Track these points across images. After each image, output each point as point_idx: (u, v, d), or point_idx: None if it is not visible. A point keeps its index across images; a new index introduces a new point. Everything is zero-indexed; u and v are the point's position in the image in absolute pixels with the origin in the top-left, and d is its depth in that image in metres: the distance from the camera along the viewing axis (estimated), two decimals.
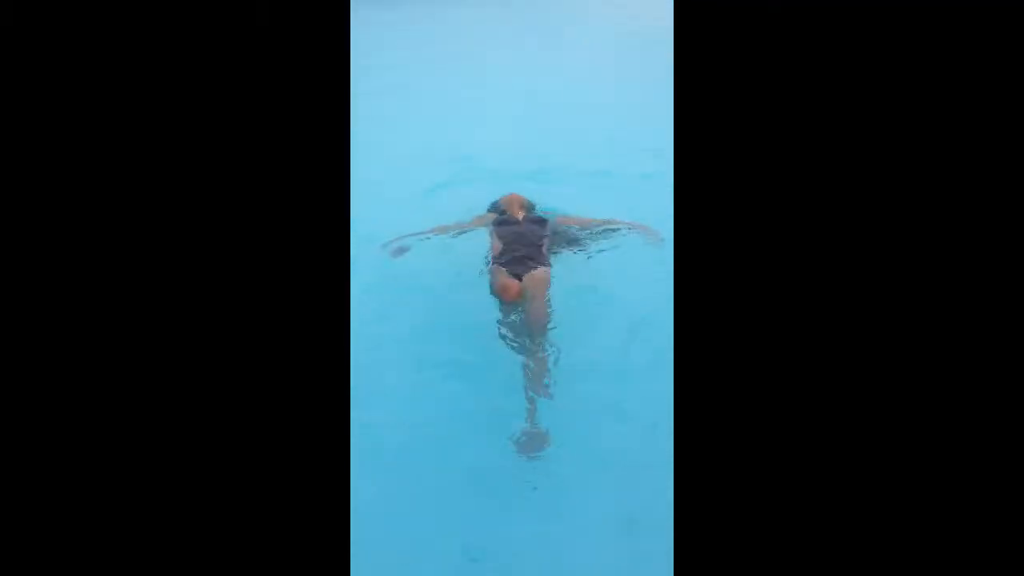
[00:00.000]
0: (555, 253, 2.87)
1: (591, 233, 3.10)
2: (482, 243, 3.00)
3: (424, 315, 2.65)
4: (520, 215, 3.00)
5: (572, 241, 3.01)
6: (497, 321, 2.45)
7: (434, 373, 2.31)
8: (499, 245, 2.78)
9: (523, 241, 2.77)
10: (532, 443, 2.00)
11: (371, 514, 1.55)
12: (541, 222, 2.96)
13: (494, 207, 3.19)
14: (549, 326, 2.40)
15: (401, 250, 3.00)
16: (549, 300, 2.49)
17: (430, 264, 3.03)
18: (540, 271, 2.59)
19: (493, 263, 2.67)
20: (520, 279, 2.54)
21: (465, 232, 3.11)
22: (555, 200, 3.36)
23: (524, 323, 2.43)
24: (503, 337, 2.37)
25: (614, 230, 3.11)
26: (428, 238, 3.08)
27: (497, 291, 2.49)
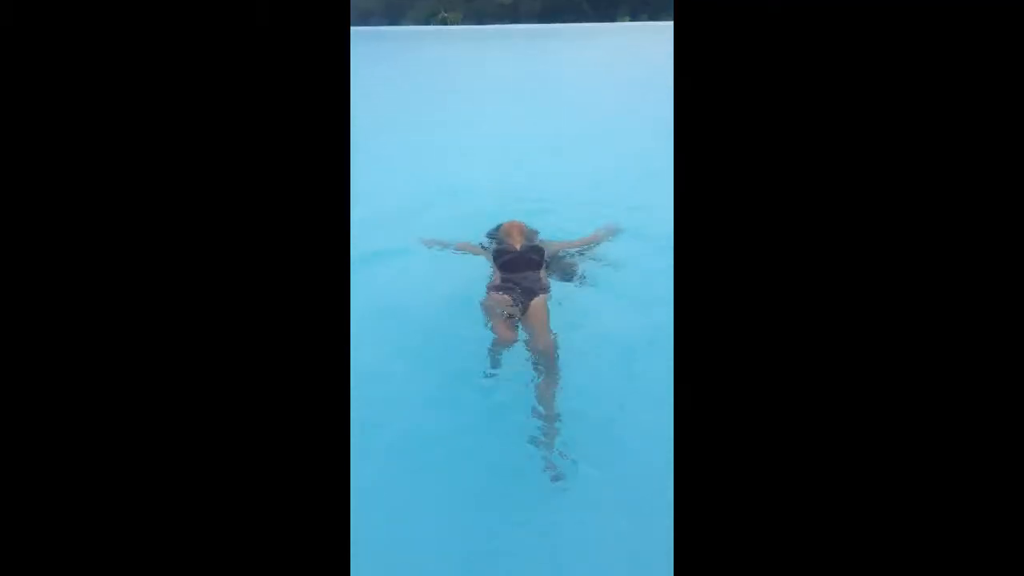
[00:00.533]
0: (553, 280, 2.89)
1: (576, 253, 3.21)
2: (480, 267, 3.05)
3: (422, 339, 2.68)
4: (519, 244, 3.02)
5: (566, 269, 3.04)
6: (488, 352, 2.45)
7: (433, 395, 2.33)
8: (498, 274, 2.80)
9: (522, 270, 2.79)
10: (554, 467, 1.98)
11: (371, 531, 1.54)
12: (539, 251, 2.99)
13: (493, 234, 3.23)
14: (557, 353, 2.38)
15: (432, 243, 3.37)
16: (550, 328, 2.49)
17: (429, 285, 3.08)
18: (540, 299, 2.60)
19: (490, 291, 2.68)
20: (521, 308, 2.55)
21: (474, 254, 3.21)
22: (551, 227, 3.43)
23: (531, 353, 2.41)
24: (488, 375, 2.37)
25: (591, 246, 3.28)
26: (444, 248, 3.33)
27: (495, 334, 2.48)
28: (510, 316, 2.50)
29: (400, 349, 2.60)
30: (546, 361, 2.33)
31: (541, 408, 2.15)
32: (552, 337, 2.42)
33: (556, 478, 1.90)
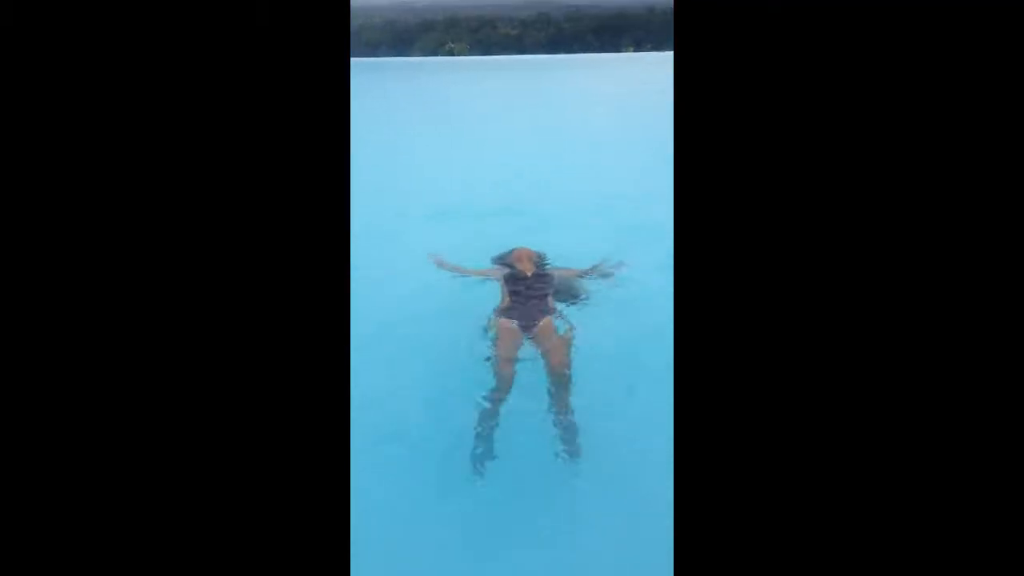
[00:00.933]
0: (560, 303, 2.98)
1: (579, 281, 3.27)
2: (483, 293, 3.13)
3: (426, 365, 2.74)
4: (530, 271, 3.13)
5: (570, 292, 3.12)
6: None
7: (435, 422, 2.37)
8: (508, 299, 2.91)
9: (530, 296, 2.91)
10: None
11: (371, 532, 1.58)
12: (546, 277, 3.11)
13: (502, 261, 3.32)
14: (570, 373, 2.45)
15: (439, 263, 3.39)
16: (567, 347, 2.58)
17: (435, 310, 3.14)
18: (547, 320, 2.72)
19: (499, 315, 2.78)
20: (529, 331, 2.67)
21: (484, 278, 3.27)
22: (556, 250, 3.50)
23: (548, 369, 2.49)
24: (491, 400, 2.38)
25: (593, 276, 3.31)
26: (450, 272, 3.35)
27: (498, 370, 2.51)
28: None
29: (400, 358, 2.71)
30: (560, 375, 2.43)
31: (556, 410, 2.28)
32: (567, 353, 2.53)
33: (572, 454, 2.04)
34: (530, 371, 2.46)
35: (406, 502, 1.94)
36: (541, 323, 2.69)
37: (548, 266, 3.27)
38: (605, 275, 3.27)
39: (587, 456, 2.10)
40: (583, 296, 3.13)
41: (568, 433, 2.18)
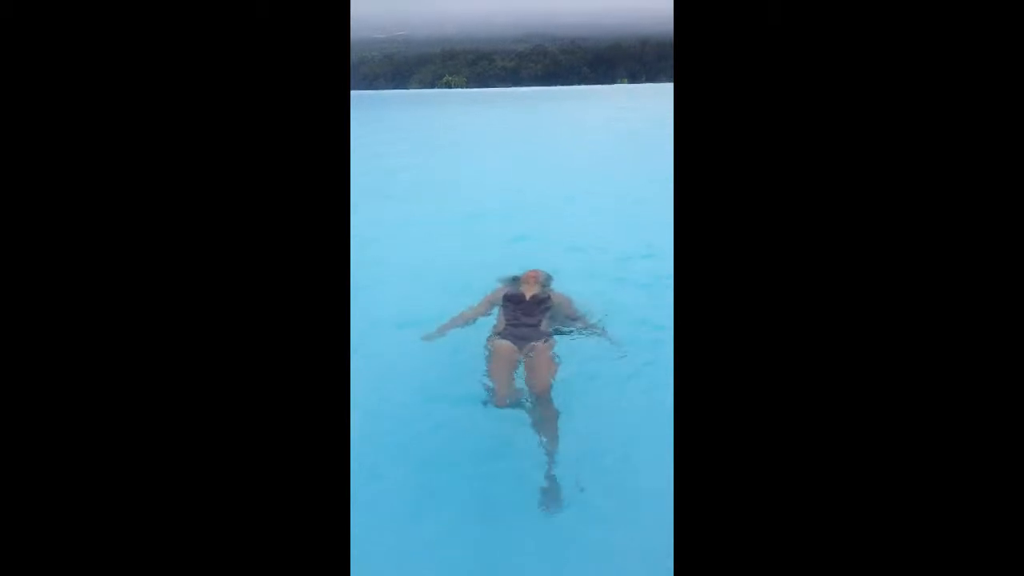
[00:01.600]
0: (556, 330, 3.01)
1: (574, 319, 3.23)
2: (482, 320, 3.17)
3: (423, 383, 2.76)
4: (529, 293, 3.14)
5: (563, 323, 3.10)
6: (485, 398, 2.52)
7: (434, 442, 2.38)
8: (503, 320, 2.96)
9: (526, 317, 2.94)
10: (551, 498, 2.04)
11: (371, 545, 1.62)
12: (545, 300, 3.12)
13: (506, 280, 3.37)
14: (552, 401, 2.47)
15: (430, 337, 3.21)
16: (552, 374, 2.59)
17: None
18: (542, 344, 2.75)
19: (496, 336, 2.83)
20: (524, 351, 2.69)
21: (486, 312, 3.25)
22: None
23: (528, 386, 2.54)
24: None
25: (583, 328, 3.19)
26: (445, 335, 3.12)
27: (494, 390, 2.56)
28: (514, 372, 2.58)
29: (403, 369, 2.76)
30: (544, 401, 2.45)
31: (544, 440, 2.26)
32: (550, 378, 2.54)
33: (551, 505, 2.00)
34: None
35: (404, 510, 1.96)
36: (536, 345, 2.71)
37: (551, 289, 3.30)
38: (594, 330, 3.16)
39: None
40: (573, 331, 3.11)
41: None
